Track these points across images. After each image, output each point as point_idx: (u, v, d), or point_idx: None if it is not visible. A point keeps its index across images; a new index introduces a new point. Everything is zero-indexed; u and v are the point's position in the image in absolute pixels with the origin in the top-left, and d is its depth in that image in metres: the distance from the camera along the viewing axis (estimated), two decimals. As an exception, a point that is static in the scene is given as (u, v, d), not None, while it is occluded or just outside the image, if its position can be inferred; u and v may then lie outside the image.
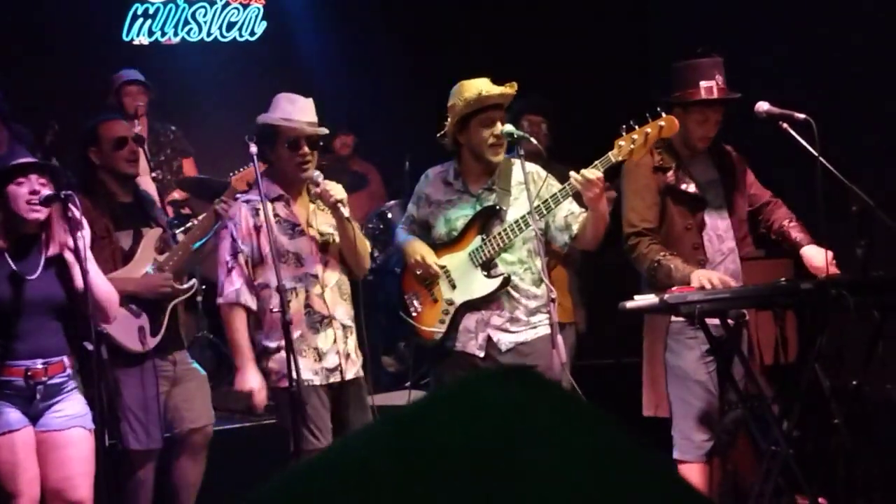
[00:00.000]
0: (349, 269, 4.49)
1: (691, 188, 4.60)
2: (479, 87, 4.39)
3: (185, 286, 4.85)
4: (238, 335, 4.36)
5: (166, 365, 4.79)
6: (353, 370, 4.44)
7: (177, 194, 6.90)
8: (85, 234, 4.06)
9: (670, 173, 4.59)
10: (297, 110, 4.38)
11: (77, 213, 3.99)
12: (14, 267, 4.06)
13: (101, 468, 4.09)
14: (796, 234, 4.62)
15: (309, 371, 4.31)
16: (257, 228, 4.34)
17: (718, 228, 4.66)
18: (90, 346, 4.09)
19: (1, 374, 4.03)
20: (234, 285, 4.35)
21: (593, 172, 4.16)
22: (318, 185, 4.32)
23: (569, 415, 0.83)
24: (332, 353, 4.36)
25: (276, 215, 4.36)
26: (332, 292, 4.39)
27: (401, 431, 0.83)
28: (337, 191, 4.29)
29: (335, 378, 4.36)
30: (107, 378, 4.08)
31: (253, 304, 4.36)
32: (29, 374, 4.04)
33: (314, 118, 4.41)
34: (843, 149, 4.77)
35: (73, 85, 7.28)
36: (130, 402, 4.65)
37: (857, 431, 4.30)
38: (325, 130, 4.45)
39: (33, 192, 4.03)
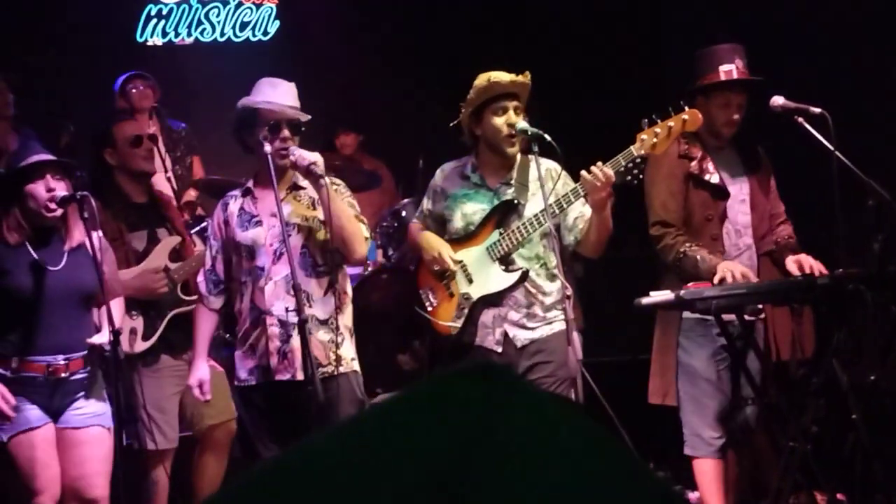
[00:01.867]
0: (328, 259, 4.22)
1: (714, 178, 4.60)
2: (490, 75, 4.37)
3: (192, 298, 4.86)
4: (195, 329, 4.39)
5: (181, 364, 4.80)
6: (292, 371, 4.11)
7: (192, 192, 6.92)
8: (100, 235, 4.08)
9: (694, 162, 4.59)
10: (278, 94, 4.24)
11: (93, 214, 4.01)
12: (36, 256, 4.08)
13: (117, 467, 4.11)
14: (789, 252, 4.61)
15: (244, 370, 4.23)
16: (225, 223, 4.30)
17: (738, 223, 4.65)
18: (107, 347, 4.11)
19: (21, 370, 4.04)
20: (198, 279, 4.38)
21: (604, 172, 4.11)
22: (290, 157, 4.10)
23: (540, 411, 0.81)
24: (262, 352, 4.16)
25: (240, 209, 4.28)
26: (276, 286, 4.15)
27: (364, 434, 0.80)
28: (310, 155, 4.08)
29: (269, 378, 4.14)
30: (124, 378, 4.09)
31: (210, 301, 4.33)
32: (50, 370, 4.06)
33: (296, 102, 4.26)
34: (858, 142, 4.75)
35: (87, 86, 7.29)
36: (146, 402, 4.66)
37: (876, 427, 4.28)
38: (306, 116, 4.25)
39: (49, 191, 4.05)
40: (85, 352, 4.16)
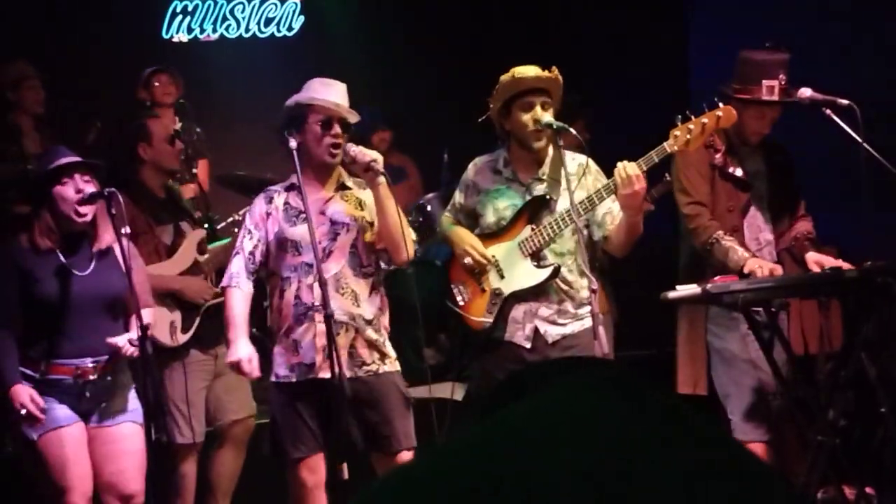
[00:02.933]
0: (373, 260, 4.29)
1: (738, 172, 4.59)
2: (515, 69, 4.34)
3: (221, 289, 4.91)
4: (229, 311, 4.24)
5: (208, 360, 4.85)
6: (346, 369, 4.08)
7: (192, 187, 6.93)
8: (127, 230, 4.10)
9: (719, 155, 4.57)
10: (331, 92, 4.26)
11: (121, 211, 4.03)
12: (65, 263, 4.11)
13: (147, 463, 4.14)
14: (809, 246, 4.57)
15: (284, 367, 4.19)
16: (268, 215, 4.29)
17: (758, 219, 4.64)
18: (129, 348, 4.13)
19: (49, 373, 4.07)
20: (231, 269, 4.30)
21: (633, 168, 4.09)
22: (352, 156, 4.16)
23: (676, 427, 0.79)
24: (310, 348, 4.17)
25: (285, 203, 4.28)
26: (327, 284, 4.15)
27: (497, 453, 0.77)
28: (370, 152, 4.15)
29: (312, 375, 4.14)
30: (152, 374, 4.12)
31: (245, 287, 4.25)
32: (78, 373, 4.08)
33: (347, 103, 4.28)
34: (886, 134, 4.73)
35: (113, 83, 7.34)
36: (175, 396, 4.71)
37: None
38: (356, 116, 4.29)
39: (78, 192, 4.07)
40: (114, 354, 4.18)
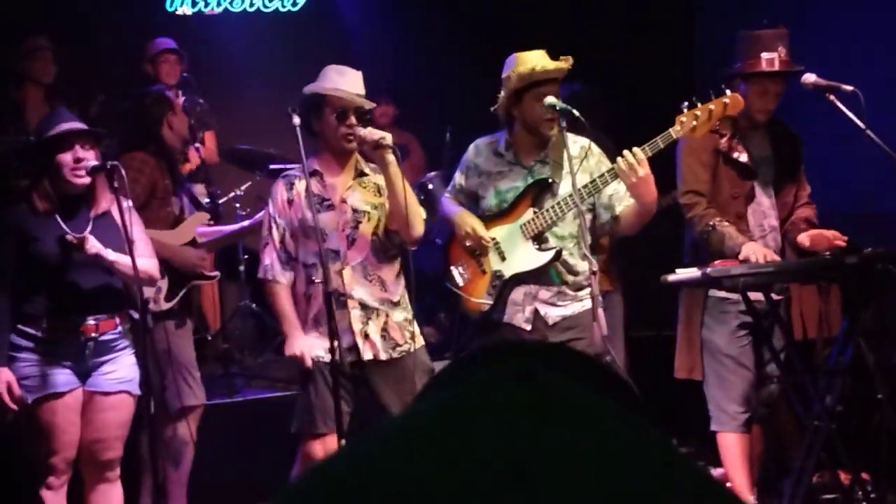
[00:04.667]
0: (392, 242, 4.36)
1: (743, 157, 4.58)
2: (533, 61, 4.30)
3: (211, 274, 5.06)
4: (278, 306, 4.36)
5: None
6: (375, 352, 4.30)
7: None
8: (130, 205, 4.11)
9: (724, 140, 4.56)
10: (346, 81, 4.31)
11: (123, 184, 4.04)
12: (64, 226, 4.12)
13: (148, 431, 4.16)
14: (802, 233, 4.58)
15: (321, 349, 4.26)
16: (290, 202, 4.34)
17: (763, 204, 4.64)
18: (136, 315, 4.16)
19: (51, 331, 4.09)
20: (264, 261, 4.38)
21: (637, 154, 4.07)
22: (360, 137, 4.23)
23: (588, 416, 0.79)
24: (346, 332, 4.26)
25: (307, 190, 4.28)
26: (354, 271, 4.29)
27: (411, 446, 0.76)
28: (378, 131, 4.22)
29: (350, 357, 4.26)
30: (153, 345, 4.14)
31: (283, 279, 4.34)
32: (79, 330, 4.11)
33: (362, 91, 4.34)
34: (889, 121, 4.72)
35: (117, 56, 7.33)
36: (185, 360, 4.84)
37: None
38: (372, 104, 4.37)
39: (77, 160, 4.08)
40: (115, 313, 4.21)
